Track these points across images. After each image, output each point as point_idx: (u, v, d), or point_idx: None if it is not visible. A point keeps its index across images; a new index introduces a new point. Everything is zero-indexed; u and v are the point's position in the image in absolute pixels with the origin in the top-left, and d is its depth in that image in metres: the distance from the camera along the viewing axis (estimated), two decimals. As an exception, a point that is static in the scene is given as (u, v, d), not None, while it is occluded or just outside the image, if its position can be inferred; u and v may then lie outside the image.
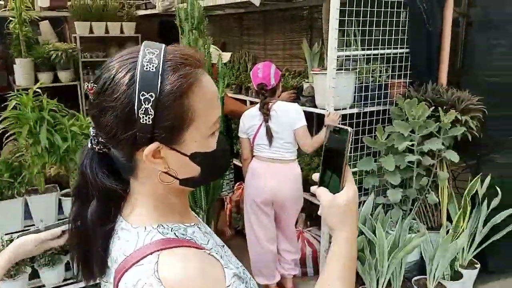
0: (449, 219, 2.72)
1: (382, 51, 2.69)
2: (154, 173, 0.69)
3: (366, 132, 2.74)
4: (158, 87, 0.63)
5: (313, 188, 0.78)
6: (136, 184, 0.72)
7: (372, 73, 2.75)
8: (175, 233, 0.70)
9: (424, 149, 2.43)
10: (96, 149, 0.71)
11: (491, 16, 2.80)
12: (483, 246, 2.68)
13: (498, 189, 2.65)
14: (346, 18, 2.41)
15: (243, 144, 2.59)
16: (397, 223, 2.49)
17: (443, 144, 2.47)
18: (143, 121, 0.63)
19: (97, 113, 0.66)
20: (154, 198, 0.72)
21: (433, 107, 2.48)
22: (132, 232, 0.69)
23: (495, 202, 2.64)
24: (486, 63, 2.88)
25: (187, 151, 0.68)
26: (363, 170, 2.61)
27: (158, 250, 0.64)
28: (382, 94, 2.73)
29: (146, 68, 0.64)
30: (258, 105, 2.51)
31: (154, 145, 0.65)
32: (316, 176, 0.79)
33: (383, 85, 2.75)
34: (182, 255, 0.65)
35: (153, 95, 0.63)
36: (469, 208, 2.61)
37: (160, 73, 0.64)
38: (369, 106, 2.72)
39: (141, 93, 0.63)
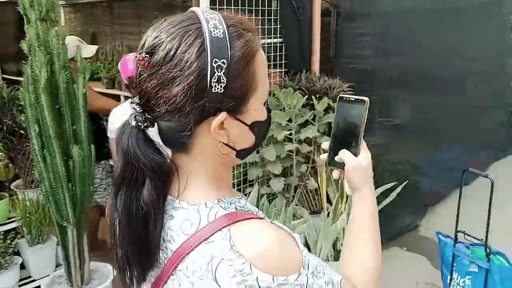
0: (330, 202, 2.84)
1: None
2: (210, 146, 0.66)
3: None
4: (229, 53, 0.60)
5: (342, 152, 0.81)
6: (186, 159, 0.68)
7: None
8: (235, 207, 0.67)
9: (301, 137, 2.47)
10: (142, 126, 0.64)
11: (357, 7, 2.97)
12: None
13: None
14: (217, 7, 2.32)
15: (112, 146, 2.26)
16: (281, 211, 2.51)
17: (318, 131, 2.55)
18: (214, 90, 0.60)
19: (157, 85, 0.60)
20: (206, 173, 0.68)
21: (308, 96, 2.54)
22: (190, 210, 0.65)
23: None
24: (354, 52, 3.04)
25: (248, 121, 0.66)
26: (247, 161, 2.59)
27: (227, 225, 0.61)
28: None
29: (214, 34, 0.60)
30: (129, 100, 2.28)
31: (222, 116, 0.62)
32: (325, 145, 0.84)
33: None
34: (254, 227, 0.63)
35: (225, 61, 0.60)
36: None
37: (227, 39, 0.60)
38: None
39: (214, 60, 0.59)
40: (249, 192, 2.63)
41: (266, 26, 2.66)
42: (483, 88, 5.20)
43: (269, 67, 2.85)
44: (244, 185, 2.75)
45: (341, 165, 0.82)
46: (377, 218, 0.81)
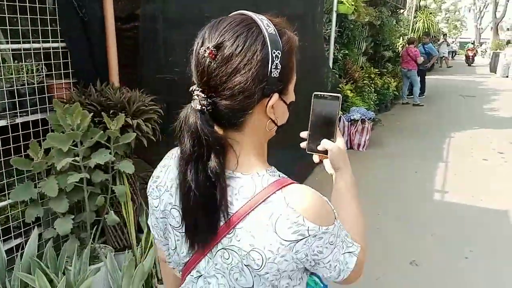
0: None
1: (27, 45, 2.11)
2: (260, 123, 0.80)
3: (22, 150, 2.12)
4: (281, 46, 0.76)
5: (324, 141, 0.95)
6: (238, 136, 0.80)
7: (22, 73, 2.14)
8: (278, 174, 0.82)
9: (90, 164, 2.01)
10: (205, 109, 0.75)
11: (167, 12, 2.64)
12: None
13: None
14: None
15: None
16: (73, 256, 2.01)
17: (116, 154, 2.12)
18: (273, 75, 0.76)
19: (229, 73, 0.73)
20: (254, 147, 0.82)
21: (99, 112, 2.10)
22: (245, 178, 0.79)
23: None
24: (163, 60, 2.70)
25: (288, 101, 0.83)
26: (22, 200, 2.01)
27: (279, 189, 0.76)
28: (39, 100, 2.17)
29: (269, 31, 0.76)
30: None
31: (276, 96, 0.78)
32: (304, 134, 1.00)
33: (41, 88, 2.19)
34: (299, 188, 0.78)
35: (280, 52, 0.76)
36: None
37: (277, 35, 0.77)
38: (23, 116, 2.11)
39: (273, 51, 0.75)
40: (26, 240, 2.06)
41: (40, 28, 2.13)
42: (303, 92, 5.45)
43: (52, 77, 2.36)
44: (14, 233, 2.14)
45: (320, 151, 0.96)
46: (357, 187, 0.98)
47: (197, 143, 0.75)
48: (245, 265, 0.77)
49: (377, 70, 9.16)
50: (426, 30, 14.37)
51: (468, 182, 5.03)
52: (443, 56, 22.22)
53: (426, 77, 11.39)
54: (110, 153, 2.08)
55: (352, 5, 6.05)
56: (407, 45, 10.46)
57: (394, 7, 10.53)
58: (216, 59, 0.73)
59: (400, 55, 10.91)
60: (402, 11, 12.85)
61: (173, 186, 0.86)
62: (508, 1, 28.09)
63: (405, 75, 10.38)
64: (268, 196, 0.76)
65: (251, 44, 0.74)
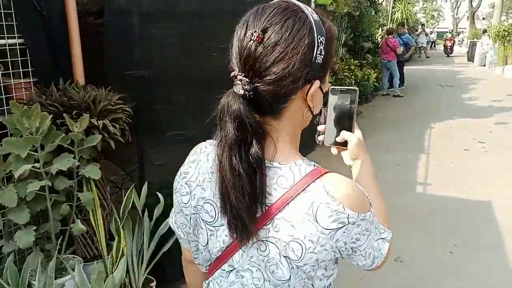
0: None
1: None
2: (298, 111, 0.80)
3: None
4: (324, 33, 0.78)
5: (344, 133, 0.98)
6: (276, 123, 0.80)
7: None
8: (313, 164, 0.81)
9: (52, 170, 1.85)
10: (248, 95, 0.74)
11: (137, 6, 2.48)
12: (155, 260, 2.38)
13: (160, 195, 2.38)
14: None
15: None
16: (37, 270, 1.86)
17: (81, 158, 1.97)
18: (318, 60, 0.77)
19: (276, 57, 0.73)
20: (290, 136, 0.82)
21: (60, 113, 1.94)
22: (283, 168, 0.79)
23: (158, 210, 2.36)
24: (132, 56, 2.54)
25: (324, 89, 0.83)
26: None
27: (317, 178, 0.77)
28: (-4, 101, 2.00)
29: (314, 17, 0.77)
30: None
31: (317, 83, 0.79)
32: (321, 127, 1.00)
33: (-2, 88, 2.02)
34: (337, 177, 0.78)
35: (324, 38, 0.77)
36: (131, 224, 2.24)
37: (321, 21, 0.78)
38: (-23, 120, 1.94)
39: (318, 36, 0.76)
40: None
41: (-7, 22, 1.95)
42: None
43: (10, 76, 2.18)
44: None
45: (339, 143, 0.99)
46: (376, 176, 1.01)
47: (240, 129, 0.75)
48: (283, 256, 0.77)
49: (357, 61, 9.11)
50: (405, 20, 14.42)
51: (450, 173, 5.01)
52: (422, 46, 22.41)
53: (405, 67, 11.43)
54: (74, 157, 1.92)
55: (331, -5, 5.95)
56: (386, 36, 10.45)
57: (372, -3, 10.49)
58: (264, 42, 0.74)
59: (379, 46, 10.89)
60: (380, 1, 12.83)
61: (205, 180, 0.85)
62: (483, -9, 28.47)
63: (385, 66, 10.37)
64: (307, 186, 0.76)
65: (299, 28, 0.75)
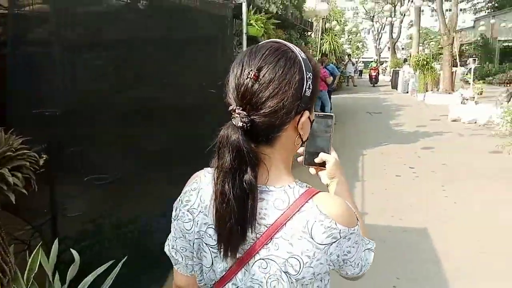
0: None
1: None
2: (289, 139, 0.89)
3: None
4: (312, 69, 0.88)
5: (322, 154, 1.08)
6: (270, 151, 0.88)
7: None
8: (305, 185, 0.91)
9: None
10: (245, 126, 0.82)
11: (45, 36, 2.19)
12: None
13: (75, 252, 2.06)
14: None
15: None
16: None
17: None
18: (307, 94, 0.86)
19: (271, 93, 0.82)
20: (282, 161, 0.91)
21: None
22: (278, 191, 0.87)
23: (73, 270, 2.03)
24: (45, 92, 2.24)
25: (311, 118, 0.93)
26: None
27: (309, 198, 0.86)
28: None
29: (302, 56, 0.87)
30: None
31: (307, 113, 0.89)
32: (301, 150, 1.08)
33: None
34: (326, 196, 0.89)
35: (311, 74, 0.87)
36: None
37: (308, 59, 0.88)
38: None
39: (307, 73, 0.86)
40: None
41: None
42: (218, 121, 5.17)
43: None
44: None
45: (318, 163, 1.09)
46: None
47: (237, 158, 0.82)
48: (283, 271, 0.85)
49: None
50: (333, 51, 15.05)
51: (385, 201, 5.07)
52: (350, 75, 23.53)
53: (334, 96, 11.83)
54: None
55: (262, 27, 5.96)
56: (316, 66, 10.74)
57: (302, 29, 10.80)
58: (259, 80, 0.82)
59: (311, 75, 11.17)
60: (309, 33, 13.30)
61: (207, 207, 0.90)
62: (401, 24, 30.76)
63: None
64: (302, 206, 0.85)
65: (290, 66, 0.84)
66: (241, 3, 5.51)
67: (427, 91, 15.96)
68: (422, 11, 22.54)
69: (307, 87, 0.86)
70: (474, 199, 5.05)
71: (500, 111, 9.08)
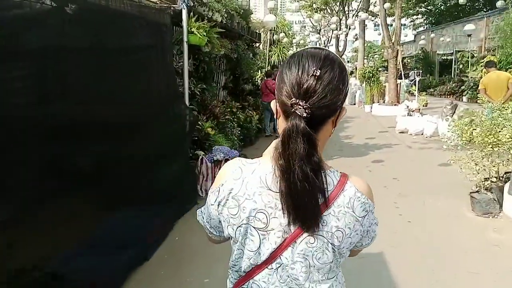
0: None
1: None
2: (329, 129, 1.08)
3: None
4: (346, 74, 1.07)
5: None
6: (317, 138, 1.01)
7: None
8: (337, 170, 1.09)
9: None
10: (307, 117, 0.97)
11: None
12: None
13: None
14: None
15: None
16: None
17: None
18: (346, 93, 1.05)
19: (327, 90, 0.99)
20: (322, 147, 1.06)
21: None
22: (326, 175, 1.02)
23: None
24: None
25: (343, 113, 1.10)
26: None
27: (347, 180, 1.06)
28: None
29: (344, 63, 1.07)
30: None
31: (345, 109, 1.08)
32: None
33: None
34: (356, 178, 1.09)
35: (348, 78, 1.08)
36: None
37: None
38: None
39: (347, 77, 1.06)
40: None
41: None
42: (160, 133, 4.69)
43: None
44: None
45: None
46: None
47: (308, 142, 0.97)
48: (330, 243, 1.02)
49: (238, 103, 8.86)
50: (281, 62, 14.89)
51: (339, 221, 4.75)
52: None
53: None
54: None
55: (204, 35, 5.53)
56: (265, 78, 10.47)
57: (249, 40, 10.51)
58: (321, 79, 0.99)
59: (259, 88, 10.89)
60: (258, 44, 13.05)
61: (255, 194, 1.03)
62: (346, 37, 31.55)
63: (266, 107, 10.33)
64: (343, 186, 1.04)
65: (342, 70, 1.03)
66: (181, 10, 5.05)
67: (373, 102, 16.21)
68: (366, 25, 23.14)
69: (347, 86, 1.05)
70: (427, 217, 4.86)
71: (446, 124, 9.22)
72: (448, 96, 20.61)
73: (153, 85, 4.69)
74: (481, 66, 17.97)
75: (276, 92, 1.07)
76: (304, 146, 0.96)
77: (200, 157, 5.70)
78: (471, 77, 19.13)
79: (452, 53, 24.04)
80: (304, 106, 0.96)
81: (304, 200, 0.97)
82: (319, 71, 0.98)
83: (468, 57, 20.89)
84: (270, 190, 1.02)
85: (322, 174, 1.00)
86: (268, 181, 1.03)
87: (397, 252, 3.90)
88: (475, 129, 4.98)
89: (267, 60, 14.24)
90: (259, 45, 13.86)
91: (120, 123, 3.93)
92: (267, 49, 14.81)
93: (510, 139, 4.57)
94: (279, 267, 1.05)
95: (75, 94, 3.30)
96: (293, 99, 0.98)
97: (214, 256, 3.86)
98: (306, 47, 1.12)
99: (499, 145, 4.88)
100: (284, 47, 16.25)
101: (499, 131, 4.90)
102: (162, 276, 3.53)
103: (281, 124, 1.05)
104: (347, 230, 1.02)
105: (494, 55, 17.15)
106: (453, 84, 21.24)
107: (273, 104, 1.11)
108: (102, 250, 3.61)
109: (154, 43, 4.72)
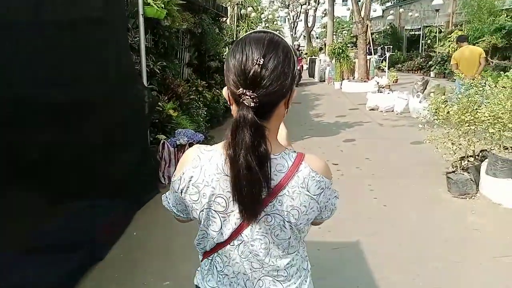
0: None
1: None
2: (281, 112, 1.08)
3: None
4: (294, 52, 1.07)
5: None
6: (268, 124, 1.04)
7: None
8: (294, 150, 1.12)
9: None
10: (255, 106, 0.97)
11: None
12: None
13: None
14: None
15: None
16: None
17: None
18: (295, 74, 1.06)
19: (277, 76, 0.99)
20: (274, 132, 1.10)
21: None
22: (278, 158, 1.06)
23: None
24: None
25: (294, 93, 1.10)
26: None
27: (301, 160, 1.07)
28: None
29: (289, 43, 1.07)
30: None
31: (295, 90, 1.10)
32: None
33: None
34: (312, 156, 1.11)
35: (295, 57, 1.08)
36: None
37: (291, 45, 1.08)
38: None
39: (294, 57, 1.06)
40: None
41: None
42: (115, 119, 4.20)
43: None
44: None
45: None
46: None
47: (255, 133, 0.98)
48: (286, 221, 1.07)
49: (204, 82, 8.35)
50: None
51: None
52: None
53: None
54: None
55: (163, 8, 5.00)
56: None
57: (215, 14, 9.93)
58: (266, 66, 0.98)
59: (226, 65, 10.38)
60: (224, 19, 12.45)
61: (213, 180, 1.07)
62: (315, 13, 31.06)
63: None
64: (298, 167, 1.06)
65: (287, 52, 1.03)
66: (134, -23, 4.50)
67: (343, 79, 15.98)
68: (335, 0, 22.69)
69: (296, 68, 1.06)
70: (403, 200, 4.63)
71: (417, 100, 9.05)
72: (416, 72, 20.68)
73: (104, 63, 4.17)
74: (449, 41, 18.02)
75: (225, 79, 1.07)
76: (250, 137, 0.97)
77: (162, 141, 5.25)
78: (438, 53, 19.18)
79: (420, 28, 24.04)
80: (252, 96, 0.97)
81: (246, 190, 1.00)
82: (263, 59, 0.98)
83: (436, 32, 20.92)
84: (227, 176, 1.04)
85: (268, 163, 1.01)
86: (225, 168, 1.05)
87: (374, 242, 3.63)
88: (452, 107, 4.74)
89: (235, 36, 13.66)
90: (226, 20, 13.25)
91: (63, 107, 3.45)
92: (235, 24, 14.22)
93: (489, 118, 4.34)
94: (240, 243, 1.11)
95: (6, 75, 2.79)
96: (240, 89, 0.98)
97: (176, 253, 3.50)
98: (250, 31, 1.09)
99: (476, 123, 4.67)
100: (252, 22, 15.70)
101: (476, 109, 4.68)
102: (115, 280, 3.14)
103: (234, 112, 1.04)
104: (303, 208, 1.06)
105: (462, 30, 17.17)
106: (421, 60, 21.30)
107: (225, 92, 1.09)
108: (46, 253, 3.17)
109: (104, 15, 4.17)
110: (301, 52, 18.90)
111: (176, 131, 5.55)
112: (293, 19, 37.07)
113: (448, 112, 4.71)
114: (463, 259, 3.30)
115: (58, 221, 3.45)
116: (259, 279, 1.14)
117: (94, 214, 3.73)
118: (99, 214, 3.77)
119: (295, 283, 1.17)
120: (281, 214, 1.05)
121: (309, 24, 32.13)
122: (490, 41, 14.96)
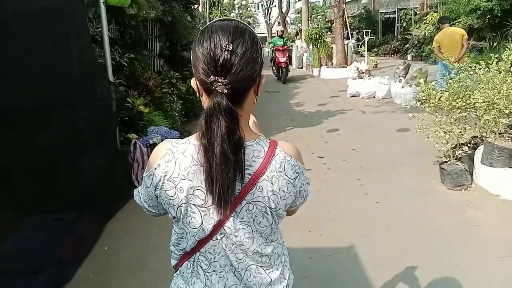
0: None
1: None
2: (251, 99, 1.07)
3: None
4: (259, 39, 1.06)
5: None
6: (241, 111, 1.02)
7: None
8: (266, 137, 1.12)
9: None
10: (228, 92, 0.96)
11: None
12: None
13: None
14: None
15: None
16: None
17: None
18: (262, 60, 1.06)
19: (246, 62, 0.98)
20: (247, 119, 1.09)
21: None
22: (254, 144, 1.06)
23: None
24: None
25: (262, 80, 1.09)
26: None
27: (276, 145, 1.08)
28: None
29: (254, 30, 1.07)
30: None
31: (263, 76, 1.08)
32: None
33: None
34: (285, 142, 1.12)
35: (261, 44, 1.07)
36: None
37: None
38: None
39: (260, 43, 1.06)
40: None
41: None
42: (79, 122, 3.75)
43: None
44: None
45: None
46: None
47: (230, 120, 0.96)
48: (268, 207, 1.06)
49: (178, 73, 7.87)
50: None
51: (299, 210, 4.11)
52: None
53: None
54: None
55: (127, -6, 4.52)
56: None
57: (186, 1, 9.40)
58: (235, 51, 0.97)
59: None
60: (196, 6, 11.91)
61: (189, 173, 1.03)
62: (289, -2, 30.59)
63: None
64: (273, 152, 1.07)
65: (253, 38, 1.02)
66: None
67: (321, 65, 15.66)
68: (309, -16, 22.26)
69: (262, 56, 1.06)
70: (396, 195, 4.34)
71: (399, 85, 8.80)
72: (393, 55, 20.54)
73: (63, 58, 3.69)
74: (425, 23, 17.87)
75: (193, 70, 1.04)
76: (226, 123, 0.96)
77: (133, 141, 4.81)
78: (414, 35, 19.03)
79: (395, 11, 23.87)
80: (224, 82, 0.96)
81: (220, 179, 0.98)
82: (231, 45, 0.97)
83: (411, 15, 20.77)
84: (203, 166, 1.01)
85: (242, 150, 1.00)
86: (201, 158, 1.01)
87: (369, 245, 3.33)
88: (443, 94, 4.45)
89: (207, 24, 13.15)
90: (198, 7, 12.70)
91: (15, 109, 3.00)
92: (208, 11, 13.68)
93: (483, 104, 4.07)
94: (223, 237, 1.08)
95: None
96: (212, 76, 0.97)
97: (152, 270, 3.11)
98: (214, 20, 1.08)
99: (468, 109, 4.41)
100: (225, 9, 15.18)
101: (467, 94, 4.41)
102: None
103: (205, 102, 1.01)
104: (281, 193, 1.07)
105: (437, 11, 17.03)
106: (397, 43, 21.14)
107: (193, 83, 1.06)
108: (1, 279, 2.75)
109: (61, 5, 3.69)
110: (286, 40, 14.58)
111: (148, 129, 5.11)
112: (267, 5, 36.45)
113: (439, 99, 4.42)
114: (467, 261, 3.03)
115: (13, 240, 3.03)
116: (246, 270, 1.13)
117: (56, 229, 3.31)
118: (63, 229, 3.35)
119: (277, 269, 1.18)
120: (262, 200, 1.05)
121: (284, 10, 31.64)
122: (466, 22, 14.84)
